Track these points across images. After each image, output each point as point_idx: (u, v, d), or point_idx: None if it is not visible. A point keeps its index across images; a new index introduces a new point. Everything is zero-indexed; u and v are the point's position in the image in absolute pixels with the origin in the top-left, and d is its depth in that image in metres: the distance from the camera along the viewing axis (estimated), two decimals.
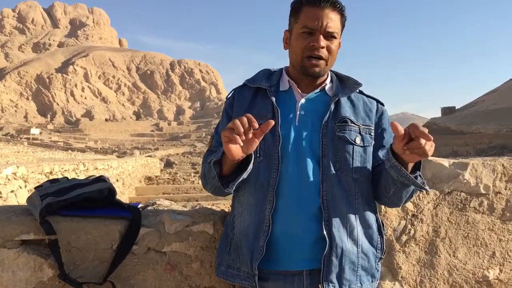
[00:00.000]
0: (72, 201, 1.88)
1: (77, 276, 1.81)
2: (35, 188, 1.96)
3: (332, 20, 1.60)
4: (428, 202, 2.08)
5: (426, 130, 1.34)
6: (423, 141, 1.34)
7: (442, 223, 2.07)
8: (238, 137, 1.38)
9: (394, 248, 2.03)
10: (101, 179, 2.04)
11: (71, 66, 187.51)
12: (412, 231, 2.05)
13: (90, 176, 2.10)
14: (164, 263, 1.91)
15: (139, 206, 2.10)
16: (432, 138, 1.34)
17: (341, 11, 1.63)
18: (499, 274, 2.11)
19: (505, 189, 2.13)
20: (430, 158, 2.14)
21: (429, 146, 1.36)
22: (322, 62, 1.62)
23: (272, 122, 1.41)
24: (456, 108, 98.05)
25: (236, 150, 1.44)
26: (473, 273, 2.08)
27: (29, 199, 1.94)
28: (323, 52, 1.61)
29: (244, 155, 1.48)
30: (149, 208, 2.14)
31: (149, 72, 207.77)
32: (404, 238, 2.04)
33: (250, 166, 1.55)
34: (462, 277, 2.07)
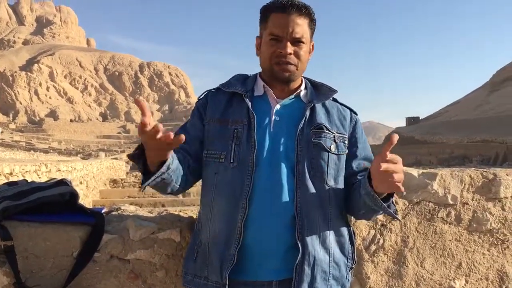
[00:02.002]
0: (31, 206, 1.79)
1: (34, 285, 1.71)
2: None
3: (298, 25, 1.58)
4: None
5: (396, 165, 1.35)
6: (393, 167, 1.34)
7: (411, 233, 2.08)
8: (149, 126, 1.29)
9: (363, 258, 2.02)
10: (62, 182, 1.95)
11: (36, 65, 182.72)
12: (381, 241, 2.04)
13: (51, 179, 2.01)
14: (127, 271, 1.84)
15: (102, 211, 2.02)
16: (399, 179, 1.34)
17: (308, 15, 1.61)
18: (465, 285, 2.13)
19: (472, 200, 2.16)
20: None
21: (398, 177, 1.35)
22: (291, 67, 1.61)
23: (183, 138, 1.30)
24: (420, 118, 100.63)
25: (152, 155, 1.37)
26: (439, 283, 2.09)
27: None
28: (292, 59, 1.59)
29: (157, 160, 1.40)
30: (113, 213, 2.06)
31: (117, 73, 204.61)
32: (373, 247, 2.03)
33: (161, 172, 1.44)
34: (429, 287, 2.08)
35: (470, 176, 2.16)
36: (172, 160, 1.47)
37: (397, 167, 1.35)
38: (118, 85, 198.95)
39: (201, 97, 1.79)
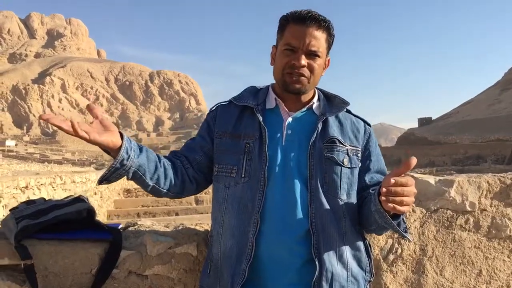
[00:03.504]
0: (49, 224, 1.81)
1: None
2: (10, 210, 1.87)
3: (316, 38, 1.56)
4: (415, 220, 2.06)
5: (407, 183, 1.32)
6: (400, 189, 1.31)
7: (429, 242, 2.05)
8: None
9: (382, 268, 2.00)
10: (79, 199, 1.96)
11: (48, 77, 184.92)
12: (399, 250, 2.02)
13: (68, 196, 2.02)
14: (146, 287, 1.84)
15: (119, 227, 2.03)
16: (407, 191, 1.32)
17: (327, 29, 1.60)
18: None
19: (490, 206, 2.13)
20: (416, 175, 2.13)
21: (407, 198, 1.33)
22: (303, 79, 1.59)
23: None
24: (433, 118, 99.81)
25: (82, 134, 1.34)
26: None
27: (3, 222, 1.85)
28: (305, 71, 1.58)
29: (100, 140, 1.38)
30: (130, 229, 2.06)
31: (128, 83, 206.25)
32: (391, 257, 2.01)
33: (119, 156, 1.43)
34: None
35: (488, 182, 2.14)
36: (128, 151, 1.45)
37: (406, 190, 1.31)
38: (129, 95, 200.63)
39: (212, 109, 1.79)
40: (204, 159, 1.70)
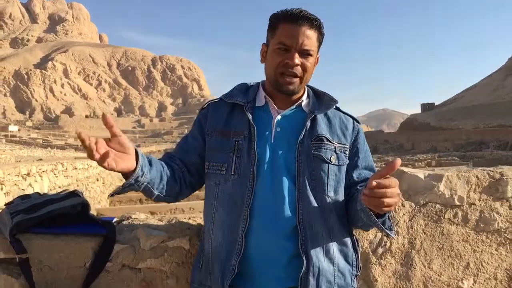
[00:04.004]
0: (44, 218, 1.84)
1: None
2: (5, 205, 1.91)
3: (308, 37, 1.58)
4: (404, 214, 2.09)
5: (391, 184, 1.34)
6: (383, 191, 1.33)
7: (418, 235, 2.09)
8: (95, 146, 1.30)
9: (370, 261, 2.04)
10: (74, 193, 2.00)
11: (50, 62, 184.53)
12: (388, 244, 2.06)
13: (63, 191, 2.06)
14: (139, 280, 1.88)
15: (113, 220, 2.07)
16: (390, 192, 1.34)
17: (318, 29, 1.61)
18: (473, 285, 2.13)
19: (479, 200, 2.16)
20: (406, 170, 2.16)
21: (390, 199, 1.35)
22: (296, 80, 1.61)
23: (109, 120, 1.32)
24: (436, 104, 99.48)
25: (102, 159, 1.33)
26: (447, 284, 2.10)
27: None
28: (298, 70, 1.59)
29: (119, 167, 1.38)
30: (124, 222, 2.10)
31: (130, 68, 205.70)
32: (380, 250, 2.05)
33: (132, 178, 1.45)
34: None
35: (477, 176, 2.16)
36: (143, 168, 1.47)
37: (389, 192, 1.34)
38: (132, 80, 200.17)
39: (203, 107, 1.81)
40: (199, 161, 1.72)
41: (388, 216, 1.53)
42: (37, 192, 2.04)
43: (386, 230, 1.51)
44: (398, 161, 1.34)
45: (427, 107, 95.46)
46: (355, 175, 1.69)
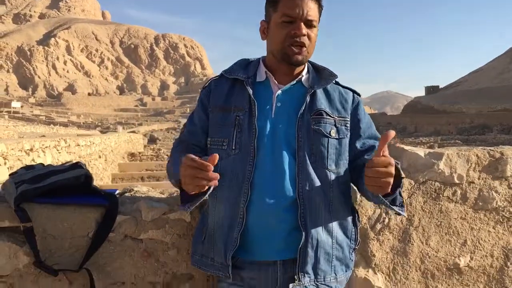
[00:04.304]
0: (48, 188, 1.87)
1: (53, 264, 1.81)
2: (9, 175, 1.94)
3: (311, 8, 1.60)
4: (403, 191, 2.11)
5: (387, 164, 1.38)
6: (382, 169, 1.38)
7: (416, 212, 2.11)
8: (199, 184, 1.39)
9: (369, 236, 2.07)
10: (77, 165, 2.02)
11: (52, 39, 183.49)
12: (387, 220, 2.08)
13: (66, 162, 2.08)
14: (140, 250, 1.92)
15: (116, 193, 2.10)
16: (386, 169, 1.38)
17: (318, 1, 1.63)
18: (469, 261, 2.17)
19: (478, 178, 2.18)
20: (406, 148, 2.17)
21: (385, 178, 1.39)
22: (304, 50, 1.62)
23: (217, 156, 1.38)
24: (440, 87, 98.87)
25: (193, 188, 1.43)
26: (444, 260, 2.14)
27: (3, 186, 1.92)
28: (305, 40, 1.61)
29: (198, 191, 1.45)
30: (126, 195, 2.13)
31: (133, 46, 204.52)
32: (378, 226, 2.08)
33: (207, 195, 1.54)
34: (433, 264, 2.13)
35: (477, 155, 2.18)
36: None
37: (384, 172, 1.38)
38: (134, 58, 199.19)
39: (205, 86, 1.82)
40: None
41: (399, 192, 1.55)
42: (41, 163, 2.06)
43: (396, 209, 1.54)
44: (391, 132, 1.36)
45: (431, 90, 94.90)
46: (358, 145, 1.71)
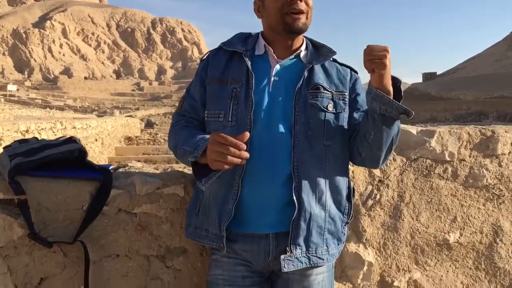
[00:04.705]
0: (42, 162, 1.88)
1: (47, 236, 1.83)
2: (3, 148, 1.95)
3: None
4: (395, 168, 2.13)
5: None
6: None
7: (407, 189, 2.14)
8: (229, 161, 1.42)
9: (360, 212, 2.10)
10: (71, 140, 2.03)
11: (48, 21, 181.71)
12: (378, 196, 2.11)
13: (60, 137, 2.09)
14: (134, 224, 1.94)
15: (110, 168, 2.11)
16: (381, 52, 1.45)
17: None
18: (459, 237, 2.20)
19: (469, 156, 2.20)
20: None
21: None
22: (303, 16, 1.62)
23: (247, 134, 1.43)
24: (437, 74, 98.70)
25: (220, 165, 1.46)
26: (434, 236, 2.17)
27: None
28: (302, 5, 1.61)
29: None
30: (120, 170, 2.15)
31: (129, 29, 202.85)
32: (370, 202, 2.11)
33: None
34: (423, 240, 2.16)
35: (468, 133, 2.20)
36: None
37: (375, 49, 1.45)
38: (131, 42, 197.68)
39: (203, 58, 1.82)
40: None
41: (400, 92, 1.54)
42: (35, 137, 2.07)
43: (403, 106, 1.49)
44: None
45: (429, 77, 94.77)
46: (356, 116, 1.72)
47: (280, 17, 1.62)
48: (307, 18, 1.64)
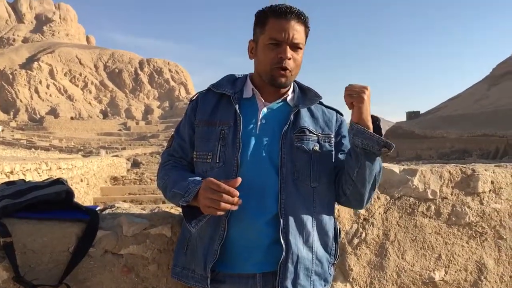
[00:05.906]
0: (29, 204, 1.88)
1: (32, 279, 1.80)
2: None
3: (297, 31, 1.65)
4: (379, 207, 2.17)
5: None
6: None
7: (392, 227, 2.17)
8: (222, 208, 1.46)
9: (346, 251, 2.11)
10: (58, 181, 2.04)
11: (36, 63, 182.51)
12: (364, 235, 2.14)
13: (47, 179, 2.10)
14: (121, 265, 1.93)
15: (97, 208, 2.11)
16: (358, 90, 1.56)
17: (305, 23, 1.69)
18: (444, 275, 2.22)
19: (451, 194, 2.25)
20: (382, 164, 2.24)
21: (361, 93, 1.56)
22: (288, 73, 1.67)
23: (239, 180, 1.48)
24: (421, 112, 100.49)
25: (213, 211, 1.49)
26: (420, 274, 2.19)
27: None
28: (290, 63, 1.66)
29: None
30: (107, 211, 2.15)
31: (117, 70, 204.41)
32: (355, 241, 2.13)
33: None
34: (409, 278, 2.17)
35: (449, 172, 2.26)
36: None
37: (355, 87, 1.57)
38: (118, 82, 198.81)
39: (192, 99, 1.87)
40: None
41: (380, 128, 1.62)
42: (22, 179, 2.08)
43: (384, 139, 1.55)
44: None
45: (412, 115, 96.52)
46: (342, 157, 1.75)
47: (269, 70, 1.68)
48: (292, 74, 1.69)
